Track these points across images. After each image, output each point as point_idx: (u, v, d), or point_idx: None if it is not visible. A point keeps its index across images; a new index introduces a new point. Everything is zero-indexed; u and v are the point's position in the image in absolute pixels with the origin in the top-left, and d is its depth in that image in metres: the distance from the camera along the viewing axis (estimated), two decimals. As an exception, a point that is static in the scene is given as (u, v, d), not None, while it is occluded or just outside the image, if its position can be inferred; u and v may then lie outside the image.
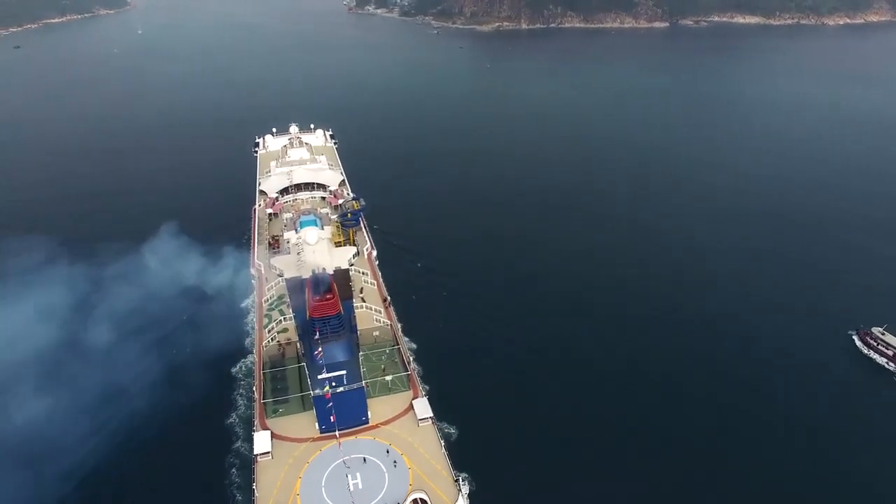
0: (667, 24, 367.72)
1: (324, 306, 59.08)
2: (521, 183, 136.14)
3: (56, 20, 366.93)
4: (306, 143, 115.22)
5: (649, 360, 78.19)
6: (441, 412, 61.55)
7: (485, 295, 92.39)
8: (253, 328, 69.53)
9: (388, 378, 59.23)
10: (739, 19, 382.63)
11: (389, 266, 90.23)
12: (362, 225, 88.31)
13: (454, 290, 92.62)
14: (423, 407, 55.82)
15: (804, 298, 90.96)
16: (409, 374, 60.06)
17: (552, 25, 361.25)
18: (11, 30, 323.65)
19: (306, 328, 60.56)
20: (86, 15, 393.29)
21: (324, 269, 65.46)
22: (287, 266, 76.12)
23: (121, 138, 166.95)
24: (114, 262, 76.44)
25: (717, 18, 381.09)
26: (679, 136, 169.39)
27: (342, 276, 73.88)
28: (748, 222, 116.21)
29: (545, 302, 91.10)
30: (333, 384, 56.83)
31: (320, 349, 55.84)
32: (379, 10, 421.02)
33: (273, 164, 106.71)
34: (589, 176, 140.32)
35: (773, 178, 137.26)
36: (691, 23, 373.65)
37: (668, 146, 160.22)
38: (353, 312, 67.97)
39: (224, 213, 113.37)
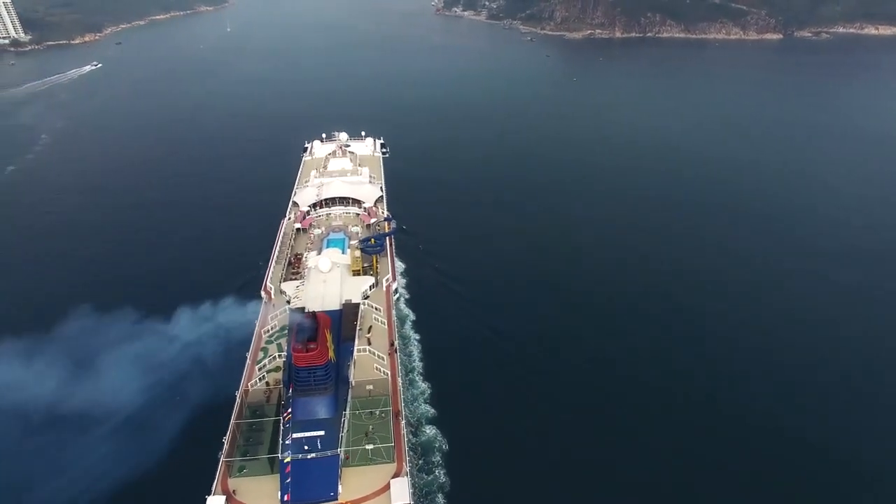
0: (780, 35, 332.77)
1: (307, 356, 51.45)
2: (594, 219, 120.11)
3: (160, 17, 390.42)
4: (351, 153, 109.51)
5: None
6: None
7: (540, 355, 77.48)
8: (245, 362, 62.83)
9: (370, 447, 50.52)
10: (870, 30, 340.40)
11: (428, 298, 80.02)
12: (388, 250, 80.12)
13: (496, 333, 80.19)
14: (401, 489, 46.74)
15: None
16: (394, 445, 51.02)
17: (649, 35, 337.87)
18: (122, 26, 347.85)
19: (292, 375, 53.22)
20: (188, 12, 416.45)
21: (312, 311, 57.58)
22: (298, 292, 69.74)
23: (176, 137, 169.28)
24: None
25: (841, 30, 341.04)
26: (800, 175, 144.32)
27: (350, 312, 66.52)
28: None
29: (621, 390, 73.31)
30: (306, 447, 49.28)
31: (289, 410, 48.05)
32: (466, 13, 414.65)
33: (313, 173, 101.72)
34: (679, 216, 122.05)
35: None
36: (810, 35, 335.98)
37: (787, 186, 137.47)
38: (353, 359, 60.14)
39: (258, 226, 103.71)
